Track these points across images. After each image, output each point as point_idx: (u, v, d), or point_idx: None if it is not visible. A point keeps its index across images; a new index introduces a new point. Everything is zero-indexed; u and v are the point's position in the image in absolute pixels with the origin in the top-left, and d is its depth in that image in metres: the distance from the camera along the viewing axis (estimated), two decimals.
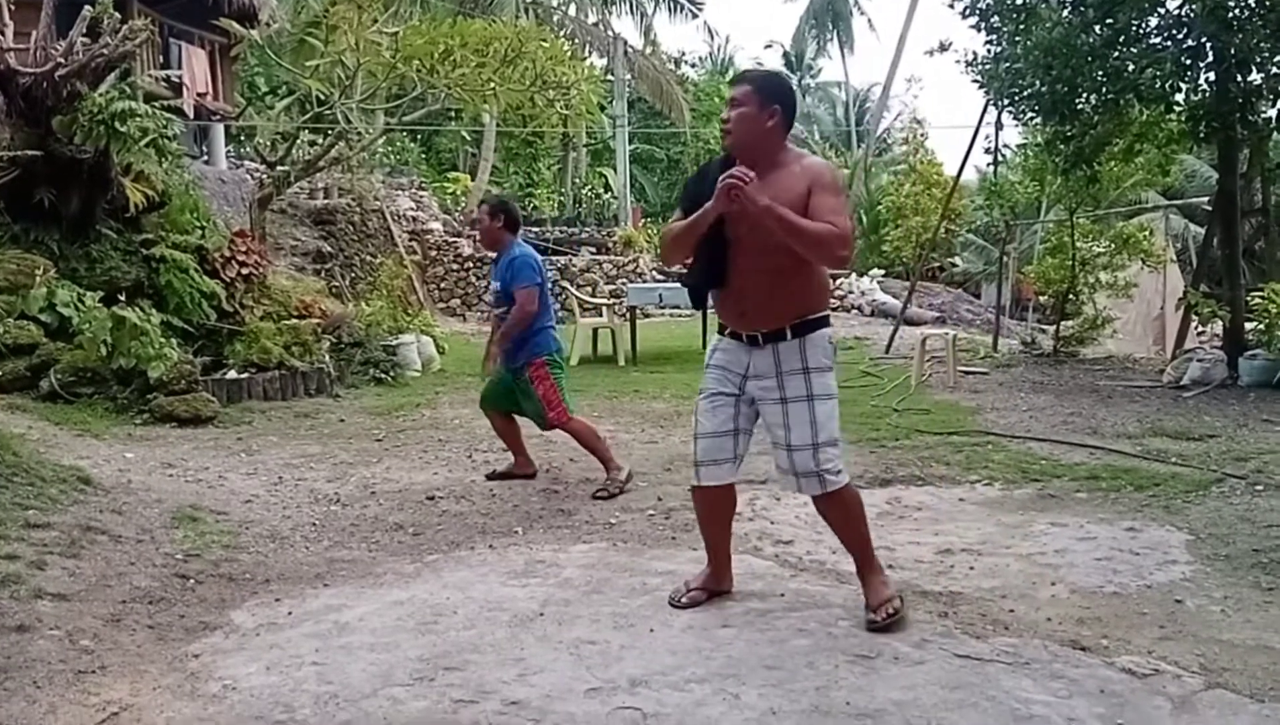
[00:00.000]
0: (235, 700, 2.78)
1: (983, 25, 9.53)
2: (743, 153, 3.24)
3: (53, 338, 7.24)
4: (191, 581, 3.80)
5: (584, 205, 23.64)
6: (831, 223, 3.11)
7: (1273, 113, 8.91)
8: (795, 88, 3.45)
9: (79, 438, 6.10)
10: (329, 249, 15.37)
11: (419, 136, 23.80)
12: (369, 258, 15.38)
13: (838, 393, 3.39)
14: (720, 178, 3.09)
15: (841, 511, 3.41)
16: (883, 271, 18.96)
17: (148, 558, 3.99)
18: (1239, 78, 8.54)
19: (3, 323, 6.87)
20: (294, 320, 8.78)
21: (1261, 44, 8.07)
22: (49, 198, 7.78)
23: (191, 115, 14.42)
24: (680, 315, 15.65)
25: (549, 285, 5.59)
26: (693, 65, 34.77)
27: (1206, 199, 13.09)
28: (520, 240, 5.59)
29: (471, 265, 16.90)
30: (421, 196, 19.56)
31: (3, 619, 3.19)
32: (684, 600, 3.48)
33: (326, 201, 16.31)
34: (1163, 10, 8.64)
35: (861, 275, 18.27)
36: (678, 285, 14.85)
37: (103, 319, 7.13)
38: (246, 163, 17.10)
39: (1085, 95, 9.04)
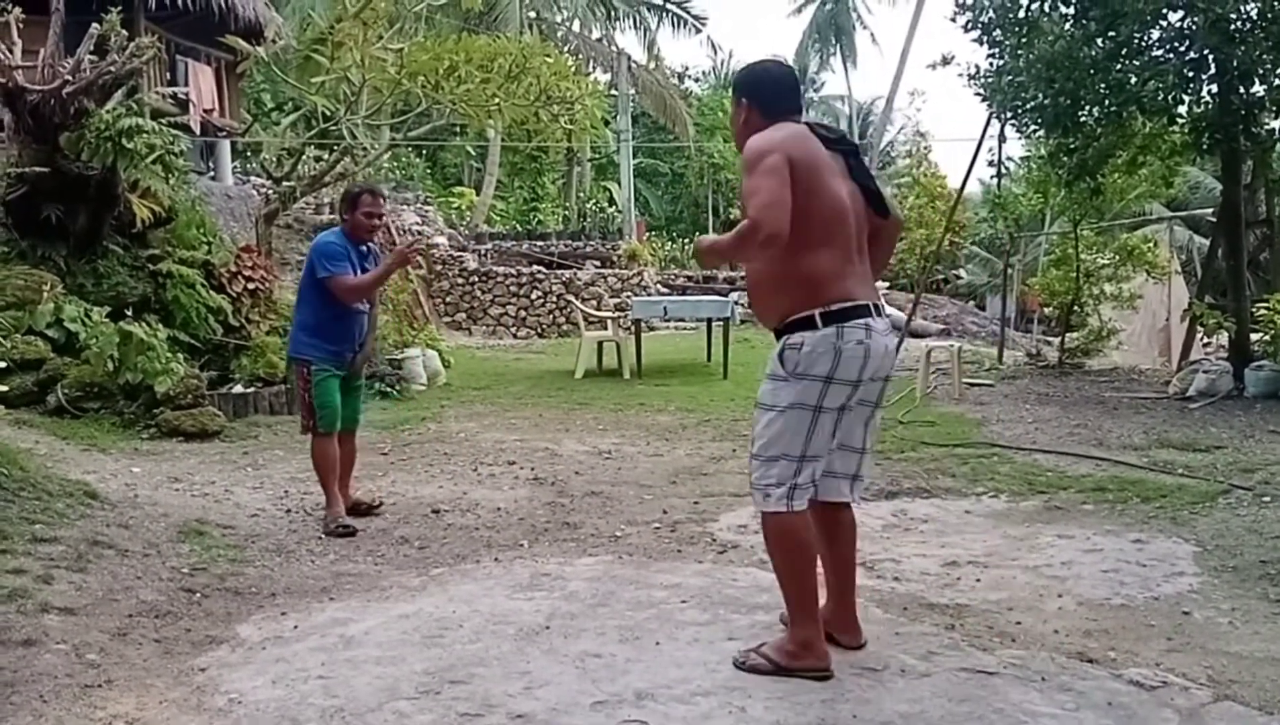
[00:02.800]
0: (241, 714, 2.78)
1: (985, 39, 9.56)
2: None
3: (60, 353, 7.26)
4: (198, 595, 3.80)
5: (588, 219, 23.70)
6: (747, 209, 2.79)
7: (1276, 124, 8.95)
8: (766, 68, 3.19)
9: (86, 452, 6.11)
10: None
11: (424, 152, 23.89)
12: None
13: (782, 404, 2.92)
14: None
15: (768, 540, 3.03)
16: (887, 284, 18.93)
17: (154, 572, 4.00)
18: (1241, 90, 8.56)
19: (10, 338, 6.89)
20: None
21: (1264, 56, 8.09)
22: (56, 214, 7.82)
23: (198, 131, 14.49)
24: (685, 328, 15.66)
25: None
26: (696, 80, 34.93)
27: (1211, 210, 13.10)
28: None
29: (477, 279, 16.94)
30: (427, 211, 19.62)
31: (9, 633, 3.19)
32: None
33: (332, 216, 16.36)
34: (1165, 23, 8.66)
35: None
36: (682, 298, 14.88)
37: (109, 334, 7.15)
38: (252, 178, 17.18)
39: (1088, 108, 9.06)
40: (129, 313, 7.67)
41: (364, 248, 5.06)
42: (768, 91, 3.06)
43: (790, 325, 2.92)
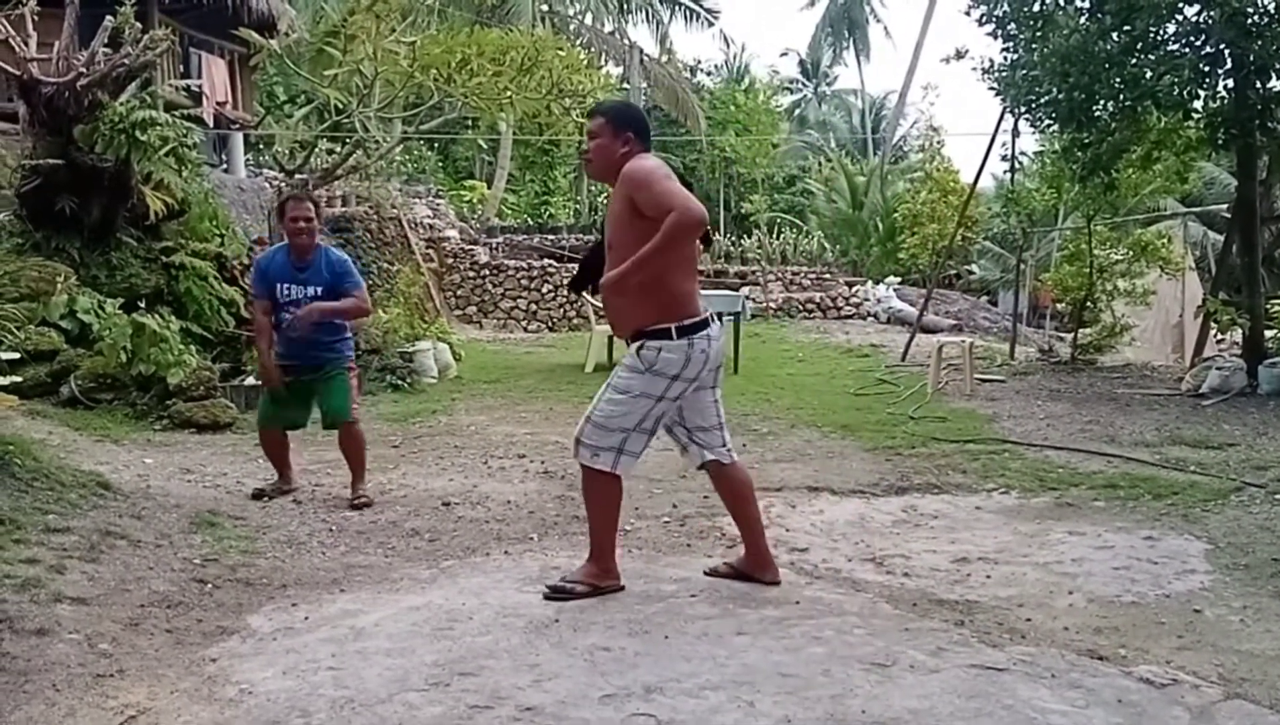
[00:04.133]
0: (252, 704, 2.79)
1: (999, 33, 9.51)
2: (604, 178, 3.62)
3: (73, 344, 7.31)
4: (209, 586, 3.82)
5: (599, 213, 23.66)
6: (667, 210, 3.32)
7: None
8: (645, 113, 3.97)
9: (99, 443, 6.15)
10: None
11: (436, 145, 23.93)
12: (386, 265, 15.44)
13: (635, 392, 3.52)
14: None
15: (587, 490, 3.72)
16: (899, 279, 18.88)
17: (166, 562, 4.02)
18: (1258, 85, 8.50)
19: (24, 329, 6.93)
20: None
21: None
22: (70, 206, 7.85)
23: (211, 124, 14.54)
24: None
25: None
26: (708, 73, 34.82)
27: (1225, 206, 13.00)
28: None
29: (488, 272, 16.95)
30: (438, 204, 19.64)
31: (23, 622, 3.22)
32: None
33: (344, 209, 16.40)
34: (1181, 17, 8.59)
35: (877, 283, 18.23)
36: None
37: (123, 326, 7.19)
38: (265, 171, 17.21)
39: (1103, 102, 9.00)
40: (142, 304, 7.71)
41: (310, 260, 5.16)
42: (644, 129, 3.65)
43: (650, 333, 3.51)
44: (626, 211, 3.45)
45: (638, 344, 3.55)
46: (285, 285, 5.15)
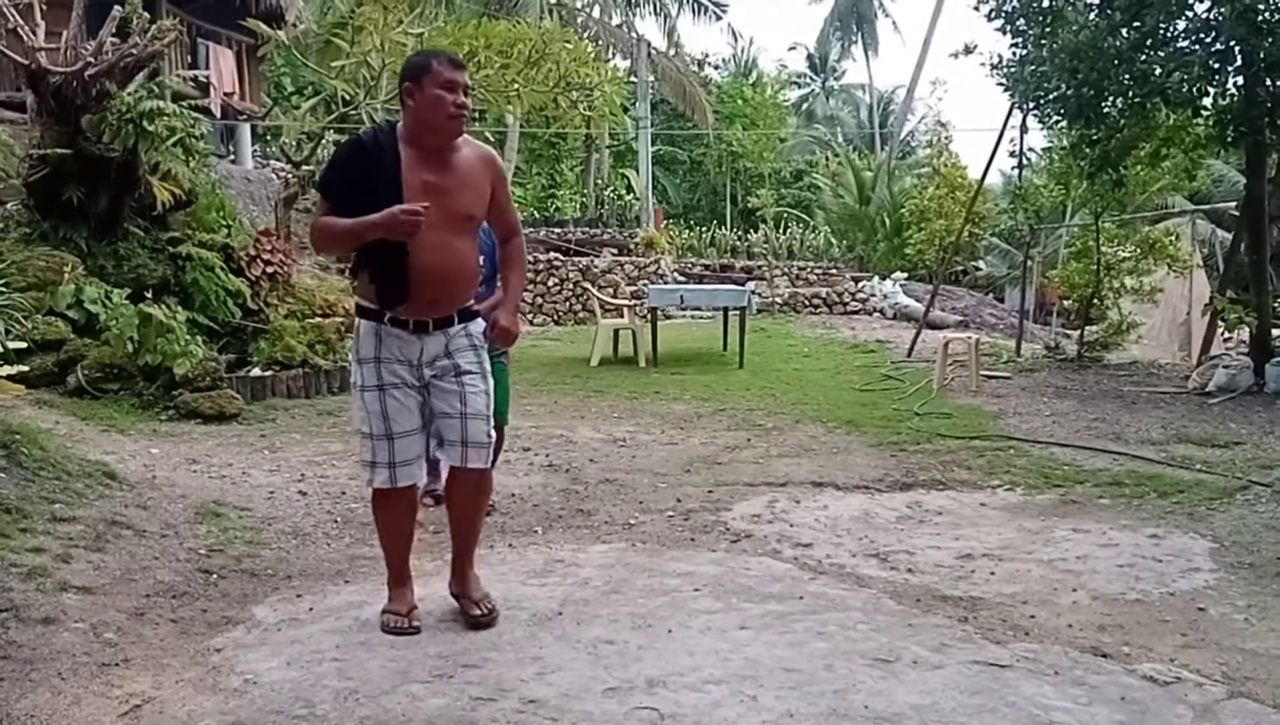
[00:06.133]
0: (256, 694, 2.80)
1: (1008, 28, 9.47)
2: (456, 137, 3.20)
3: (80, 334, 7.31)
4: (214, 576, 3.83)
5: (606, 206, 23.65)
6: (515, 230, 3.49)
7: None
8: None
9: (105, 433, 6.16)
10: None
11: None
12: None
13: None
14: (400, 210, 2.97)
15: (480, 491, 3.43)
16: (905, 274, 18.86)
17: (171, 552, 4.03)
18: (1268, 82, 8.46)
19: (31, 319, 6.94)
20: (318, 319, 8.84)
21: None
22: (78, 196, 7.86)
23: (218, 115, 14.55)
24: (701, 317, 15.64)
25: None
26: (716, 67, 34.73)
27: (1234, 204, 12.96)
28: None
29: None
30: None
31: (29, 611, 3.23)
32: (409, 624, 3.28)
33: None
34: (1191, 14, 8.56)
35: (884, 278, 18.20)
36: (699, 287, 14.86)
37: (129, 316, 7.20)
38: (272, 162, 17.23)
39: (1111, 99, 8.98)
40: (149, 295, 7.71)
41: None
42: None
43: (472, 311, 3.33)
44: (484, 191, 3.25)
45: (470, 321, 3.29)
46: None
